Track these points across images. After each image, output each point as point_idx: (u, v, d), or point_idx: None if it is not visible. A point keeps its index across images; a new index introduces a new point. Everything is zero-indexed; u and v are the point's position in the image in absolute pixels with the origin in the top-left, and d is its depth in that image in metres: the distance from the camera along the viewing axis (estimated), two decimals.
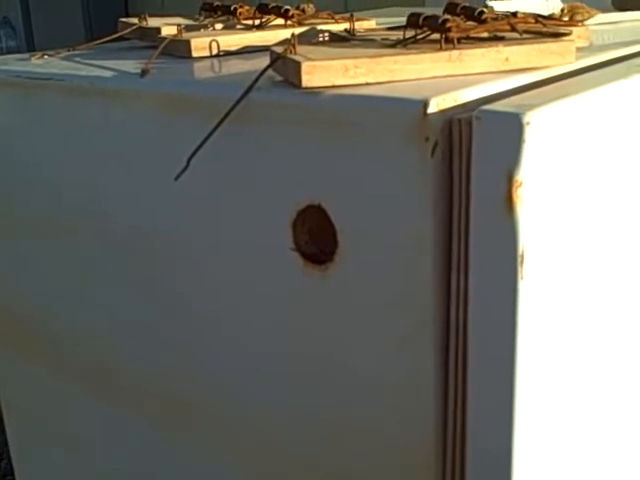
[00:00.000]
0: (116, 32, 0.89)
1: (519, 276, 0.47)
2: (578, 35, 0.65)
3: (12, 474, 1.10)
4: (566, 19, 0.74)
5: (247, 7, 0.86)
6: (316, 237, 0.57)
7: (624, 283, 0.61)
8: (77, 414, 0.93)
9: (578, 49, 0.60)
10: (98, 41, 0.89)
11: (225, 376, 0.70)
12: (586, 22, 0.75)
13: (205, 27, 0.87)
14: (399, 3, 1.44)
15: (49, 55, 0.87)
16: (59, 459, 1.01)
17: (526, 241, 0.46)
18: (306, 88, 0.53)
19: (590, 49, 0.66)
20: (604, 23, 0.86)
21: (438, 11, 0.61)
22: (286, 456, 0.67)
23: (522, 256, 0.47)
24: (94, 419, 0.90)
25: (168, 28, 0.83)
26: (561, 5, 0.81)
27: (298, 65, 0.53)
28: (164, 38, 0.78)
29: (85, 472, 0.97)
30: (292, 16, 0.81)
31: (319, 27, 0.79)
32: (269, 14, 0.82)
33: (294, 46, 0.57)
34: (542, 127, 0.45)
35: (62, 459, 1.00)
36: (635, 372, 0.68)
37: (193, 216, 0.66)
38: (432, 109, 0.47)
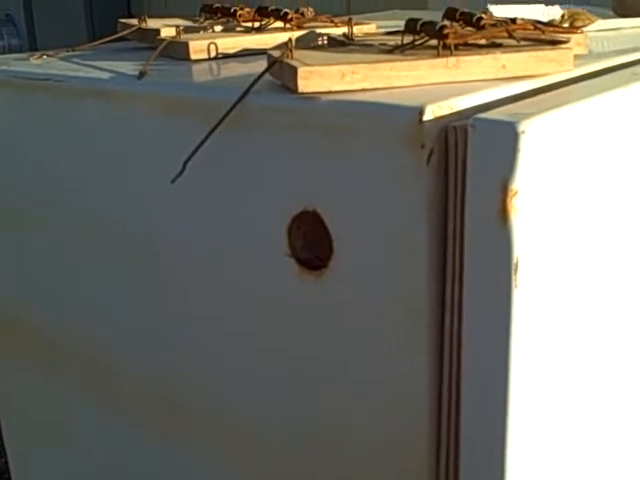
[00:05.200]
0: (116, 33, 0.89)
1: (513, 284, 0.47)
2: (577, 42, 0.65)
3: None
4: (566, 25, 0.73)
5: (247, 9, 0.86)
6: (311, 243, 0.57)
7: (618, 292, 0.61)
8: (73, 417, 0.92)
9: (576, 56, 0.60)
10: (98, 42, 0.89)
11: (222, 381, 0.70)
12: (586, 28, 0.74)
13: (204, 29, 0.86)
14: (402, 6, 1.44)
15: (48, 55, 0.86)
16: (55, 462, 1.00)
17: (521, 250, 0.46)
18: (302, 93, 0.53)
19: (589, 56, 0.66)
20: (605, 30, 0.86)
21: (440, 15, 0.61)
22: (283, 460, 0.67)
23: (516, 264, 0.46)
24: (91, 422, 0.90)
25: (167, 30, 0.83)
26: (561, 11, 0.81)
27: (294, 70, 0.53)
28: (163, 40, 0.78)
29: (82, 476, 0.96)
30: (291, 19, 0.81)
31: (318, 31, 0.79)
32: (268, 17, 0.82)
33: (291, 50, 0.57)
34: (538, 136, 0.45)
35: (58, 462, 1.00)
36: (630, 378, 0.68)
37: (189, 219, 0.66)
38: (428, 116, 0.47)
